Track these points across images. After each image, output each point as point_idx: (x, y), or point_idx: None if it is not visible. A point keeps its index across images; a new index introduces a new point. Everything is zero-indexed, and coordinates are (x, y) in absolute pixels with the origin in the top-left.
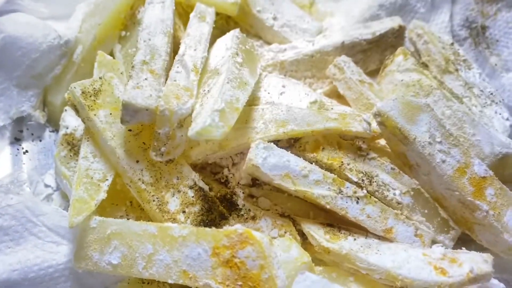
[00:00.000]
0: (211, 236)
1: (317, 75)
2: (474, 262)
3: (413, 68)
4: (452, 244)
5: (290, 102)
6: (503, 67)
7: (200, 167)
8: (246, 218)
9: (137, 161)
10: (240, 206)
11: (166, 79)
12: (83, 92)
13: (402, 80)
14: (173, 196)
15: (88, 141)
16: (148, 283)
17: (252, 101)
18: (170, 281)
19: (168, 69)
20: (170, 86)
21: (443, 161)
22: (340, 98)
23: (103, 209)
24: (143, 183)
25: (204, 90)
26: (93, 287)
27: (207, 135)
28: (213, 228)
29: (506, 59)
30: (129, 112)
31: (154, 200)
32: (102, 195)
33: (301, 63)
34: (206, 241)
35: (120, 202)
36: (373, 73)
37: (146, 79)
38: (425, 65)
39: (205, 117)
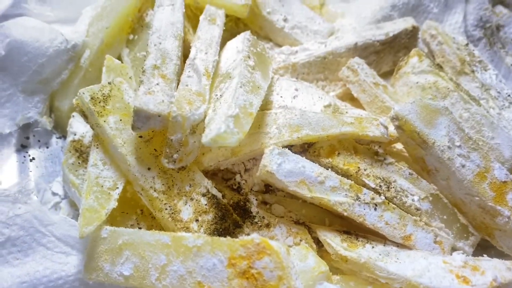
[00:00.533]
0: (226, 246)
1: (329, 77)
2: (497, 269)
3: (428, 70)
4: (471, 250)
5: (304, 106)
6: None
7: (211, 174)
8: (260, 226)
9: (149, 169)
10: (254, 214)
11: (178, 84)
12: (92, 98)
13: (417, 82)
14: (185, 204)
15: (97, 148)
16: None
17: (265, 105)
18: None
19: (179, 73)
20: (182, 91)
21: (463, 166)
22: (353, 101)
23: (113, 218)
24: (155, 191)
25: (216, 95)
26: None
27: (222, 142)
28: (228, 237)
29: None
30: (141, 118)
31: (166, 209)
32: (113, 203)
33: (313, 65)
34: (221, 251)
35: (131, 210)
36: (386, 75)
37: (157, 84)
38: (439, 67)
39: (220, 123)
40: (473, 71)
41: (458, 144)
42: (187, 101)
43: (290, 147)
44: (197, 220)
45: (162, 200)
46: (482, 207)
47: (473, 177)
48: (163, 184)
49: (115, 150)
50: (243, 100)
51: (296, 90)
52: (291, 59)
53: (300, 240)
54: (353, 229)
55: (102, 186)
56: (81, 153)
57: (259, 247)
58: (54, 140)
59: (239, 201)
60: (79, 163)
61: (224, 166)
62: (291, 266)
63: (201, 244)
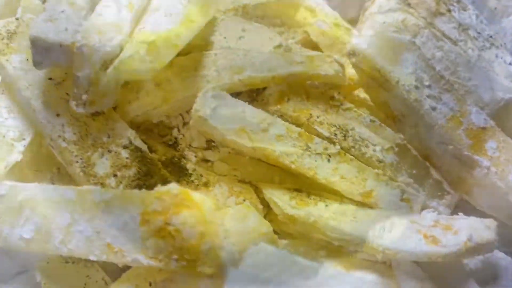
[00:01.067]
0: (139, 199)
1: (287, 22)
2: (473, 229)
3: (397, 8)
4: (448, 211)
5: (250, 47)
6: (504, 12)
7: (145, 129)
8: (197, 185)
9: (58, 115)
10: (190, 171)
11: None
12: None
13: (384, 22)
14: (101, 157)
15: (2, 94)
16: (72, 262)
17: (205, 47)
18: (92, 257)
19: (94, 4)
20: (94, 20)
21: (433, 109)
22: (316, 49)
23: (24, 176)
24: (64, 140)
25: (139, 29)
26: (10, 270)
27: (128, 70)
28: (143, 189)
29: (508, 4)
30: (39, 49)
31: (77, 161)
32: (16, 156)
33: (268, 8)
34: (133, 206)
35: (45, 168)
36: (353, 23)
37: (63, 11)
38: (410, 5)
39: (128, 49)
40: (449, 10)
41: (427, 83)
42: (98, 31)
43: (236, 95)
44: (115, 175)
45: (73, 152)
46: (457, 158)
47: (445, 121)
48: (74, 133)
49: (19, 94)
50: (166, 29)
51: (243, 30)
52: (242, 0)
53: (244, 200)
54: (306, 188)
55: (4, 136)
56: None
57: (177, 199)
58: None
59: (173, 157)
60: None
61: (157, 118)
62: (217, 223)
63: (110, 199)
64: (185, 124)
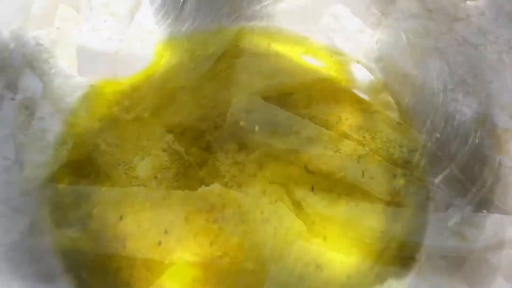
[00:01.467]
0: (184, 199)
1: (311, 29)
2: (498, 225)
3: (418, 14)
4: (470, 208)
5: (279, 52)
6: None
7: (178, 132)
8: (231, 186)
9: (100, 120)
10: (224, 173)
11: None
12: (37, 44)
13: (407, 29)
14: (142, 160)
15: (45, 100)
16: (116, 260)
17: (236, 54)
18: (138, 255)
19: (134, 11)
20: (134, 29)
21: (457, 111)
22: (340, 55)
23: (63, 178)
24: (106, 144)
25: (178, 37)
26: (57, 269)
27: (173, 78)
28: (187, 190)
29: None
30: (84, 58)
31: (120, 164)
32: (60, 160)
33: (291, 15)
34: (179, 205)
35: (85, 171)
36: (374, 27)
37: (105, 21)
38: (430, 11)
39: (172, 58)
40: (468, 16)
41: (451, 87)
42: (140, 40)
43: (265, 99)
44: (156, 177)
45: (115, 155)
46: (480, 158)
47: (469, 123)
48: (116, 137)
49: (62, 100)
50: (201, 38)
51: (271, 37)
52: (268, 8)
53: (276, 201)
54: (336, 189)
55: (48, 141)
56: (32, 111)
57: (220, 199)
58: (6, 101)
59: (207, 160)
60: (29, 121)
61: (190, 122)
62: (258, 220)
63: (155, 199)
64: (216, 127)
